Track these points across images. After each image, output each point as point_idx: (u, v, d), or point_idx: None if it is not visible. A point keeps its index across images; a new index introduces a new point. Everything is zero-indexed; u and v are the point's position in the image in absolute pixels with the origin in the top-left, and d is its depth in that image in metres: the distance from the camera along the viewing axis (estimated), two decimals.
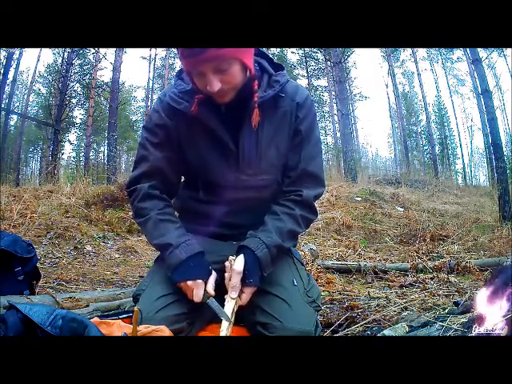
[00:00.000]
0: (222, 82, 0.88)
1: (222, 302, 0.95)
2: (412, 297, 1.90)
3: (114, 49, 10.40)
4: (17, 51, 11.28)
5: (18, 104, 20.02)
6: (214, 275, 0.97)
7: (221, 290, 0.97)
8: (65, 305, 1.49)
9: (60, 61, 12.48)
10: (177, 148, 1.05)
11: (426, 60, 19.59)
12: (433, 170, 14.43)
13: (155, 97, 18.59)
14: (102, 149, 21.97)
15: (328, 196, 5.77)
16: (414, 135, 22.04)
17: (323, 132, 21.19)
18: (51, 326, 0.71)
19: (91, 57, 14.27)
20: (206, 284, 0.94)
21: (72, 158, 21.23)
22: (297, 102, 1.04)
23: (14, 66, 11.92)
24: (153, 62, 19.22)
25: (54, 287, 2.10)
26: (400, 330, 1.20)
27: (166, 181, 1.07)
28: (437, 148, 19.45)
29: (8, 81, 10.98)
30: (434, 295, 1.91)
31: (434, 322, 1.19)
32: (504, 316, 0.87)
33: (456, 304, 1.49)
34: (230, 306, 0.93)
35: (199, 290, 0.92)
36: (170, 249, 0.96)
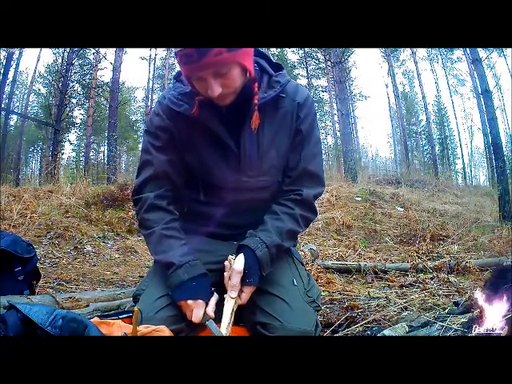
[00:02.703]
0: (222, 86, 0.88)
1: (221, 302, 0.95)
2: (412, 297, 1.89)
3: (114, 49, 10.40)
4: (17, 51, 11.29)
5: (18, 104, 20.05)
6: (215, 297, 0.95)
7: (220, 290, 0.97)
8: (65, 305, 1.49)
9: (60, 61, 12.48)
10: (179, 150, 1.04)
11: (426, 60, 19.61)
12: (433, 170, 14.44)
13: (155, 97, 18.61)
14: (102, 149, 22.01)
15: (328, 196, 5.76)
16: (414, 135, 22.06)
17: (323, 132, 21.21)
18: (51, 326, 0.71)
19: (91, 57, 14.29)
20: (206, 305, 0.92)
21: (72, 158, 21.28)
22: (297, 102, 1.03)
23: (14, 66, 11.93)
24: (153, 63, 19.24)
25: (54, 287, 2.10)
26: (400, 329, 1.20)
27: (172, 185, 1.05)
28: (437, 148, 19.48)
29: (8, 81, 10.99)
30: (434, 295, 1.91)
31: (434, 322, 1.19)
32: (504, 316, 0.87)
33: (456, 304, 1.49)
34: (229, 306, 0.93)
35: (199, 310, 0.91)
36: (172, 268, 0.95)
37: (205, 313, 0.91)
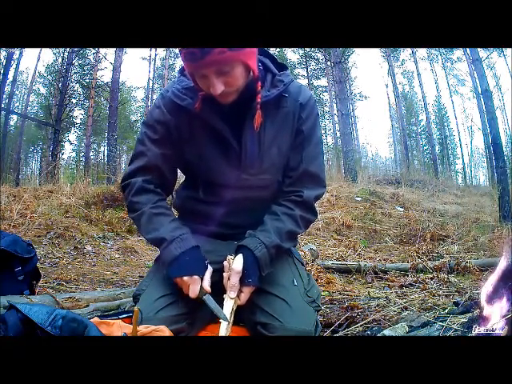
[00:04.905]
0: (225, 85, 0.88)
1: (221, 302, 0.95)
2: (412, 297, 1.89)
3: (114, 49, 10.40)
4: (17, 51, 11.28)
5: (18, 104, 20.06)
6: (209, 270, 0.96)
7: (220, 290, 0.97)
8: (65, 305, 1.49)
9: (60, 61, 12.47)
10: (176, 146, 1.04)
11: (426, 60, 19.60)
12: (433, 170, 14.44)
13: (155, 97, 18.58)
14: (101, 149, 22.02)
15: (328, 196, 5.76)
16: (413, 135, 22.07)
17: (323, 132, 21.21)
18: (51, 326, 0.71)
19: (91, 57, 14.27)
20: (202, 279, 0.93)
21: (72, 158, 21.28)
22: (300, 102, 1.04)
23: (14, 66, 11.91)
24: (153, 63, 19.23)
25: (54, 287, 2.10)
26: (400, 329, 1.20)
27: (162, 178, 1.07)
28: (437, 148, 19.48)
29: (8, 81, 10.98)
30: (434, 295, 1.91)
31: (434, 322, 1.19)
32: (504, 316, 0.87)
33: (456, 304, 1.49)
34: (228, 306, 0.93)
35: (195, 285, 0.92)
36: (164, 244, 0.96)
37: (201, 287, 0.92)
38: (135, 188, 1.03)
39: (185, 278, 0.92)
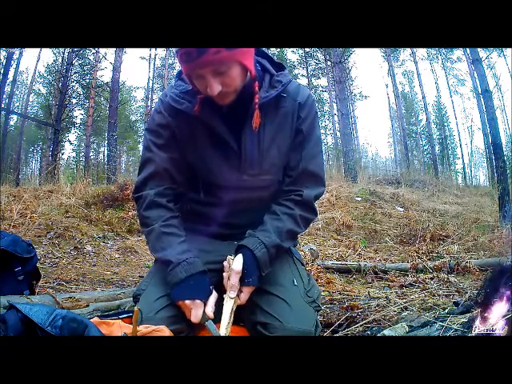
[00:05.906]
0: (222, 85, 0.88)
1: (221, 302, 0.95)
2: (412, 297, 1.89)
3: (114, 49, 10.40)
4: (17, 51, 11.28)
5: (18, 104, 20.04)
6: (214, 296, 0.95)
7: (220, 290, 0.97)
8: (65, 305, 1.49)
9: (60, 61, 12.48)
10: (180, 148, 1.04)
11: (426, 60, 19.60)
12: (433, 170, 14.44)
13: (155, 97, 18.60)
14: (101, 149, 22.03)
15: (328, 196, 5.76)
16: (413, 135, 22.08)
17: (323, 132, 21.20)
18: (51, 326, 0.71)
19: (91, 57, 14.26)
20: (205, 305, 0.92)
21: (72, 158, 21.30)
22: (298, 101, 1.03)
23: (14, 66, 11.91)
24: (153, 62, 19.23)
25: (54, 287, 2.10)
26: (400, 329, 1.20)
27: (173, 182, 1.05)
28: (437, 148, 19.49)
29: (8, 81, 10.97)
30: (434, 295, 1.91)
31: (434, 322, 1.19)
32: (504, 316, 0.87)
33: (456, 304, 1.49)
34: (228, 306, 0.93)
35: (198, 310, 0.90)
36: (170, 266, 0.94)
37: (204, 313, 0.91)
38: (147, 202, 1.01)
39: (187, 301, 0.91)
